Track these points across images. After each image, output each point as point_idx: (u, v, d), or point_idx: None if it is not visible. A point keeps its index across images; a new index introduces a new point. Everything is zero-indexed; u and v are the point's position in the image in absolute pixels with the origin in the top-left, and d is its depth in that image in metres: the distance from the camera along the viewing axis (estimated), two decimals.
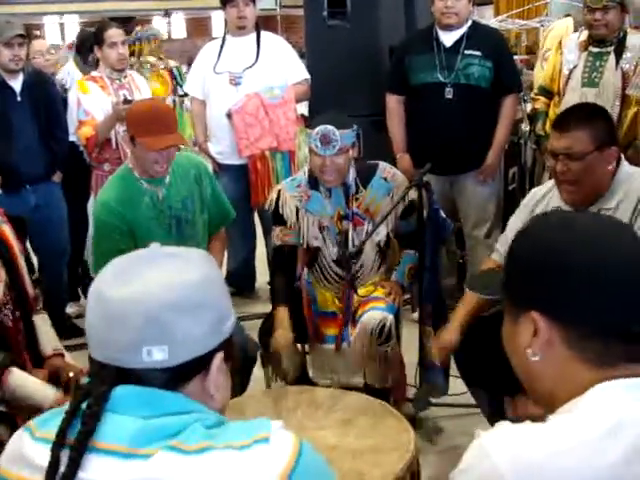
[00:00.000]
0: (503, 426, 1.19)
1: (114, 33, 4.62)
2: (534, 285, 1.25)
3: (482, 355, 2.84)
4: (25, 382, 2.44)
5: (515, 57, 9.21)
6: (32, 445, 1.22)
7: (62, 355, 2.76)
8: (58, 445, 1.18)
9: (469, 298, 3.01)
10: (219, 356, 1.26)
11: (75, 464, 1.16)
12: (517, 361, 1.31)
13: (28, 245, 4.64)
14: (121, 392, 1.20)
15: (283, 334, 3.28)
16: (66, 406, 1.22)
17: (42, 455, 1.19)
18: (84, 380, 1.27)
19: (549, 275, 1.22)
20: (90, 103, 4.57)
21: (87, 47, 5.32)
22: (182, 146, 3.57)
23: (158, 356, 1.19)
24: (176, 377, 1.22)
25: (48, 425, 1.23)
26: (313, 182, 3.49)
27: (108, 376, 1.21)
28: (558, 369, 1.23)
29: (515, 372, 1.33)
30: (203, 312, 1.23)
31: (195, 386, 1.25)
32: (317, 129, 3.31)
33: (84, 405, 1.20)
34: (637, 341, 1.19)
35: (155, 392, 1.20)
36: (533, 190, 3.14)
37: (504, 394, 2.83)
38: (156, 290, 1.21)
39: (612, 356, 1.19)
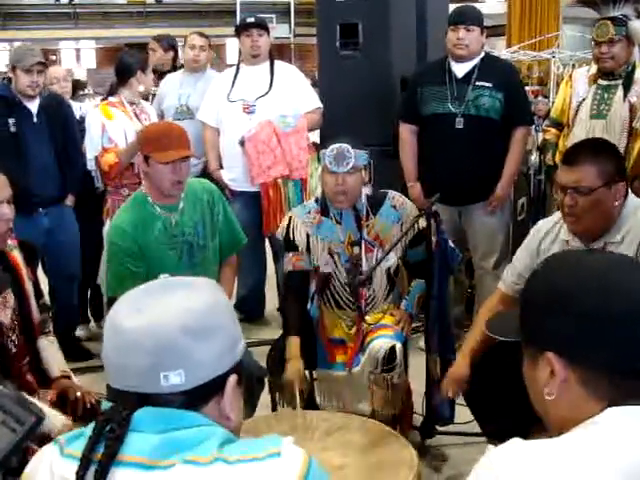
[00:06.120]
0: (513, 442, 1.22)
1: None
2: (547, 328, 1.28)
3: (490, 388, 2.86)
4: None
5: (527, 88, 9.27)
6: (60, 460, 1.28)
7: (69, 377, 2.80)
8: (85, 461, 1.23)
9: (478, 330, 2.98)
10: (233, 378, 1.31)
11: (101, 477, 1.21)
12: (534, 397, 1.35)
13: (40, 268, 4.69)
14: (141, 414, 1.25)
15: (295, 365, 3.28)
16: (91, 426, 1.27)
17: (70, 470, 1.24)
18: (104, 405, 1.31)
19: (560, 318, 1.26)
20: (114, 130, 4.59)
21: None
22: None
23: (175, 380, 1.24)
24: (193, 399, 1.27)
25: (76, 443, 1.28)
26: (324, 208, 3.53)
27: (129, 401, 1.26)
28: (573, 406, 1.26)
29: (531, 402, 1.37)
30: (216, 335, 1.28)
31: (212, 408, 1.30)
32: (331, 147, 3.37)
33: (107, 428, 1.25)
34: None
35: (173, 411, 1.25)
36: (539, 223, 3.13)
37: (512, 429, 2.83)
38: (169, 317, 1.26)
39: (624, 393, 1.22)
